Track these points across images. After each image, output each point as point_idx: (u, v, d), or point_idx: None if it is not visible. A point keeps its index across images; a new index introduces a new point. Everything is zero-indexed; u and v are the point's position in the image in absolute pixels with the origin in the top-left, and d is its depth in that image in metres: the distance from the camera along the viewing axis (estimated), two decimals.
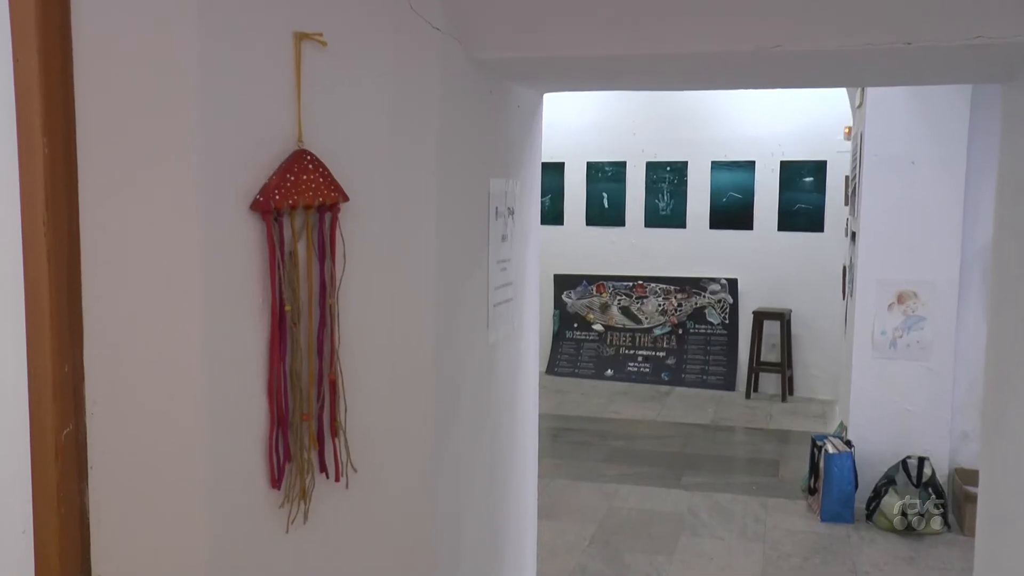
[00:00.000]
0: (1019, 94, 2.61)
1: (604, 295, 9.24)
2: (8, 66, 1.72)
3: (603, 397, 8.47)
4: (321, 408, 2.09)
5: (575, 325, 9.35)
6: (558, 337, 9.37)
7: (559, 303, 9.37)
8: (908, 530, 5.13)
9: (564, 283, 9.33)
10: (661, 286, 9.05)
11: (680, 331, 9.01)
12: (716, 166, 8.80)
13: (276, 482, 2.00)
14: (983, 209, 5.14)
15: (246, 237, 1.90)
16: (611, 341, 9.22)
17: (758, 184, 8.68)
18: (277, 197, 1.92)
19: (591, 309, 9.29)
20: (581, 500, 5.69)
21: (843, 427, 5.94)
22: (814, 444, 5.65)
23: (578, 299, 9.33)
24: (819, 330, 8.43)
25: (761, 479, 6.17)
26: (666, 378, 8.90)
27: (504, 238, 2.84)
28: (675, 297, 9.01)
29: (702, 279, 8.90)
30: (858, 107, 6.02)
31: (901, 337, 5.46)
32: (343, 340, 2.11)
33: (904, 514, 5.12)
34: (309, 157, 1.98)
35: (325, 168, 2.01)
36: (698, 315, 8.95)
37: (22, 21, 1.71)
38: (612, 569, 4.69)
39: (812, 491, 5.60)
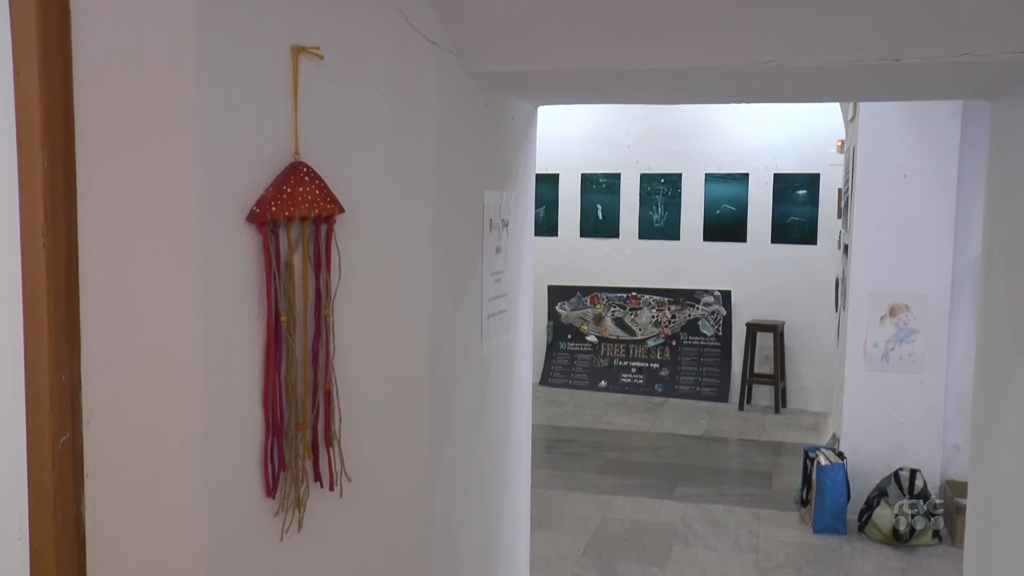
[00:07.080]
0: (1007, 110, 2.64)
1: (598, 306, 9.26)
2: (8, 79, 1.75)
3: (597, 408, 8.47)
4: (316, 418, 2.10)
5: (569, 336, 9.36)
6: (552, 348, 9.38)
7: (553, 314, 9.38)
8: (900, 542, 5.14)
9: (558, 294, 9.35)
10: (655, 298, 9.07)
11: (674, 343, 9.03)
12: (710, 178, 8.83)
13: (271, 491, 2.02)
14: (974, 222, 5.17)
15: (242, 248, 1.92)
16: (605, 352, 9.23)
17: (752, 196, 8.71)
18: (273, 209, 1.94)
19: (585, 320, 9.30)
20: (574, 511, 5.69)
21: (835, 439, 5.96)
22: (807, 456, 5.66)
23: (572, 310, 9.35)
24: (812, 342, 8.45)
25: (754, 490, 6.18)
26: (660, 389, 8.91)
27: (498, 250, 2.86)
28: (669, 309, 9.03)
29: (696, 291, 8.92)
30: (851, 120, 6.06)
31: (893, 349, 5.48)
32: (338, 350, 2.12)
33: (896, 526, 5.14)
34: (305, 169, 2.00)
35: (321, 180, 2.03)
36: (692, 327, 8.97)
37: (23, 34, 1.74)
38: None
39: (805, 502, 5.61)
